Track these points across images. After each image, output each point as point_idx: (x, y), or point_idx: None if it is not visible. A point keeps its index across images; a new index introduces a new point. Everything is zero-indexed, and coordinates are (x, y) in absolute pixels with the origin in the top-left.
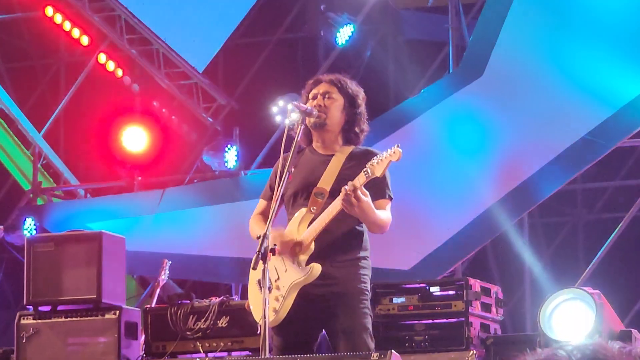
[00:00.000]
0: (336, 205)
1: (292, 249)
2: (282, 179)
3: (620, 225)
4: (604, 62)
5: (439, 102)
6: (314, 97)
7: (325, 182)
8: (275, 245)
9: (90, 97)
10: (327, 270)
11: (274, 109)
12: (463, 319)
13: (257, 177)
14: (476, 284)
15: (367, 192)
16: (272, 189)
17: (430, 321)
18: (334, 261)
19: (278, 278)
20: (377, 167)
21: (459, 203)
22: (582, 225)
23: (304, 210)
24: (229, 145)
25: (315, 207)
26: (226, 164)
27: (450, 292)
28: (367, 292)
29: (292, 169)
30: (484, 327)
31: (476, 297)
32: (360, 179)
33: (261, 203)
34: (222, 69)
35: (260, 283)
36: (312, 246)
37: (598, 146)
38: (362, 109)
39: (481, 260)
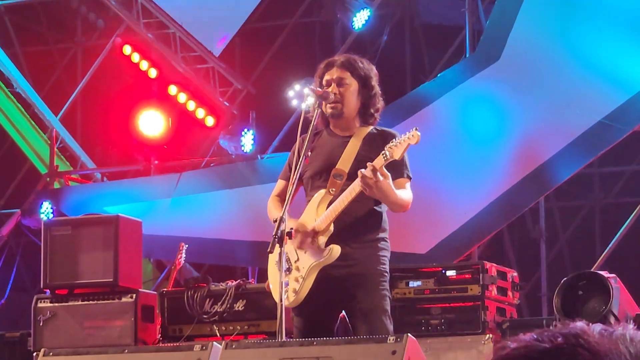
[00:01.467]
0: (355, 187)
1: (310, 239)
2: (299, 162)
3: (637, 209)
4: (620, 46)
5: (456, 87)
6: (328, 84)
7: (344, 163)
8: (292, 228)
9: (107, 81)
10: (347, 251)
11: (291, 93)
12: (479, 302)
13: (273, 161)
14: (492, 268)
15: (388, 174)
16: (291, 169)
17: (447, 305)
18: (354, 242)
19: (298, 259)
20: (395, 150)
21: (475, 187)
22: (598, 210)
23: (322, 191)
24: (245, 130)
25: (334, 189)
26: (243, 148)
27: (467, 276)
28: (386, 274)
29: (309, 153)
30: (500, 311)
31: (492, 281)
32: (379, 162)
33: (279, 184)
34: (238, 53)
35: (280, 267)
36: (332, 227)
37: (615, 130)
38: (377, 88)
39: (497, 245)
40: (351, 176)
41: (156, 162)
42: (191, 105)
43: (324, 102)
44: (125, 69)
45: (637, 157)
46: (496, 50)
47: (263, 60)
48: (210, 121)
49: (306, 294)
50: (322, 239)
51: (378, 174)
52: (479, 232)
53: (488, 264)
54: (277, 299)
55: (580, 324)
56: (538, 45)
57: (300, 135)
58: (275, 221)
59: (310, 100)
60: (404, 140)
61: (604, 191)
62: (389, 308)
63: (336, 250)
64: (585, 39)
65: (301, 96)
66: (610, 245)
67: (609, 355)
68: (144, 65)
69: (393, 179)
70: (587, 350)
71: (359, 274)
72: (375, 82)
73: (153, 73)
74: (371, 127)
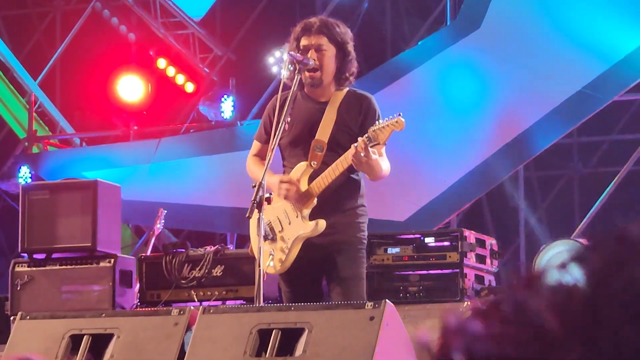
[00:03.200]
0: (343, 162)
1: (300, 198)
2: (278, 128)
3: (616, 179)
4: (601, 16)
5: (436, 55)
6: (306, 50)
7: (323, 134)
8: (270, 194)
9: (87, 46)
10: (330, 222)
11: (271, 60)
12: (457, 270)
13: (253, 127)
14: (471, 236)
15: (375, 150)
16: (266, 132)
17: (425, 272)
18: (335, 211)
19: (282, 229)
20: (380, 134)
21: (455, 155)
22: (577, 179)
23: (304, 164)
24: (225, 96)
25: (315, 162)
26: (222, 114)
27: (445, 243)
28: (365, 240)
29: (289, 119)
30: (479, 279)
31: (471, 248)
32: (362, 145)
33: (255, 144)
34: (219, 20)
35: (266, 234)
36: (315, 201)
37: (594, 100)
38: (352, 52)
39: (476, 213)
40: (331, 146)
41: (135, 127)
42: (171, 71)
43: (303, 74)
44: (104, 34)
45: (616, 127)
46: (477, 19)
47: (243, 27)
48: (190, 87)
49: (291, 262)
50: (306, 211)
51: (369, 150)
52: (458, 200)
53: (467, 232)
54: (265, 268)
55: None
56: (518, 13)
57: (274, 96)
58: (254, 186)
59: (290, 67)
60: (389, 126)
61: (583, 161)
62: (364, 275)
63: (322, 224)
64: (565, 8)
65: (281, 63)
66: (588, 215)
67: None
68: (123, 29)
69: (373, 146)
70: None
71: (340, 241)
72: (351, 46)
73: (132, 38)
74: (346, 90)
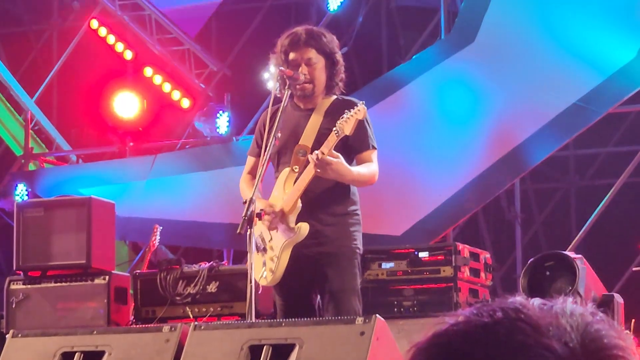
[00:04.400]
0: (309, 171)
1: (279, 219)
2: (269, 142)
3: (612, 191)
4: (595, 29)
5: (431, 68)
6: (295, 64)
7: (307, 139)
8: (261, 209)
9: (83, 64)
10: (318, 229)
11: (266, 75)
12: (452, 284)
13: (248, 143)
14: (465, 250)
15: (338, 154)
16: (258, 146)
17: (419, 286)
18: (324, 217)
19: (271, 239)
20: (345, 125)
21: (451, 169)
22: (574, 192)
23: (287, 170)
24: (220, 111)
25: (297, 166)
26: (218, 130)
27: (439, 258)
28: (358, 250)
29: (279, 134)
30: (473, 293)
31: (465, 262)
32: (331, 140)
33: (249, 160)
34: (214, 35)
35: (257, 246)
36: (299, 204)
37: (589, 112)
38: (340, 60)
39: (473, 227)
40: (314, 151)
41: (131, 144)
42: (167, 87)
43: (294, 88)
44: (100, 51)
45: (612, 139)
46: (471, 32)
47: (239, 43)
48: (185, 103)
49: (283, 272)
50: (292, 217)
51: (327, 157)
52: (454, 214)
53: (460, 245)
54: (256, 276)
55: (519, 298)
56: (513, 27)
57: (265, 110)
58: (245, 202)
59: (279, 80)
60: (352, 116)
61: (579, 173)
62: (359, 288)
63: (304, 228)
64: (560, 21)
65: (277, 78)
66: (585, 227)
67: (550, 329)
68: (120, 47)
69: (358, 153)
70: (527, 324)
71: (331, 252)
72: (339, 54)
73: (128, 55)
74: (334, 97)
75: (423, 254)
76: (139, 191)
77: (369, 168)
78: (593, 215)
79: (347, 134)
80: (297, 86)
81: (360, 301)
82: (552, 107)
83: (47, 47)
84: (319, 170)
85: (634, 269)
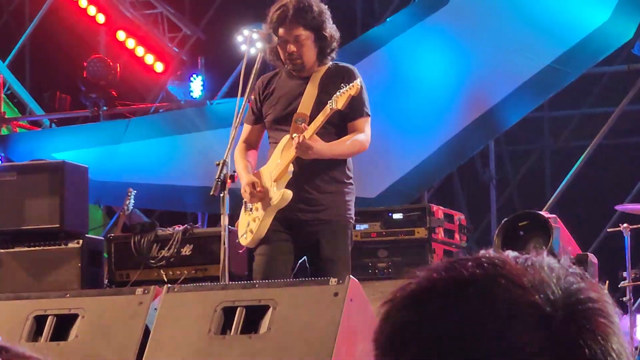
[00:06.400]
0: (292, 153)
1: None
2: (261, 104)
3: (586, 152)
4: None
5: (405, 31)
6: (284, 42)
7: (305, 107)
8: (234, 171)
9: (55, 28)
10: (315, 197)
11: (240, 39)
12: (426, 245)
13: (222, 106)
14: (439, 211)
15: (316, 138)
16: (254, 113)
17: (394, 248)
18: (321, 186)
19: (260, 200)
20: (339, 100)
21: (425, 131)
22: (548, 154)
23: (286, 137)
24: (194, 75)
25: (296, 134)
26: (191, 94)
27: (413, 219)
28: (352, 220)
29: (252, 97)
30: (448, 254)
31: (439, 223)
32: (326, 111)
33: (245, 128)
34: None
35: (246, 205)
36: (290, 170)
37: (564, 74)
38: (329, 30)
39: (448, 188)
40: (313, 118)
41: (105, 108)
42: (140, 51)
43: (285, 59)
44: (73, 15)
45: (586, 100)
46: None
47: (212, 6)
48: (159, 67)
49: (263, 234)
50: (281, 183)
51: (307, 142)
52: (429, 176)
53: (435, 207)
54: (239, 236)
55: (494, 253)
56: None
57: (256, 77)
58: (218, 164)
59: (259, 45)
60: (346, 91)
61: (554, 135)
62: (350, 259)
63: (287, 194)
64: None
65: (250, 41)
66: (559, 188)
67: (531, 284)
68: (92, 10)
69: (351, 120)
70: (507, 279)
71: (325, 220)
72: (327, 26)
73: (101, 18)
74: (329, 64)
75: (397, 215)
76: (113, 155)
77: (358, 138)
78: (568, 177)
79: (340, 108)
80: (289, 61)
81: (349, 271)
82: (526, 68)
83: (19, 11)
84: (301, 154)
85: (609, 229)
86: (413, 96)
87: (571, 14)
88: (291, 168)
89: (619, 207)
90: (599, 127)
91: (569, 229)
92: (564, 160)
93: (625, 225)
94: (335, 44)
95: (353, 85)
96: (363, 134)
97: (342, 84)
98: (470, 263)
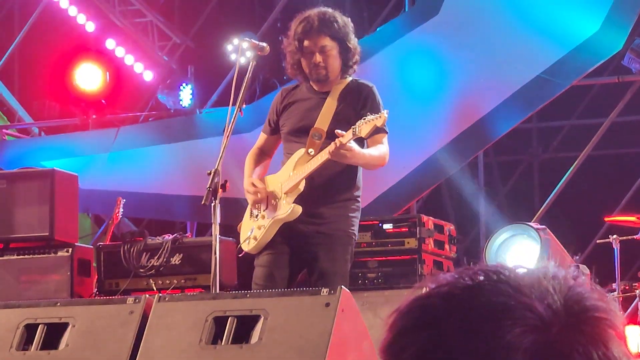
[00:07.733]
0: (323, 155)
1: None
2: (276, 115)
3: (575, 163)
4: (559, 1)
5: (395, 41)
6: (310, 52)
7: (322, 122)
8: (226, 180)
9: (45, 36)
10: (320, 211)
11: (229, 48)
12: (416, 256)
13: (212, 115)
14: (429, 221)
15: (351, 147)
16: (270, 124)
17: (383, 258)
18: (327, 201)
19: (266, 208)
20: (363, 127)
21: (414, 141)
22: (537, 164)
23: (302, 150)
24: (183, 84)
25: (312, 149)
26: (181, 103)
27: (403, 229)
28: (354, 236)
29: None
30: (437, 265)
31: (429, 234)
32: (348, 136)
33: (261, 137)
34: (177, 7)
35: (252, 211)
36: (301, 185)
37: (553, 85)
38: (353, 42)
39: (436, 199)
40: (330, 135)
41: (94, 116)
42: (129, 60)
43: (310, 70)
44: (63, 23)
45: (575, 111)
46: (435, 5)
47: (202, 15)
48: (148, 75)
49: (266, 243)
50: (291, 197)
51: (346, 146)
52: (417, 187)
53: (425, 217)
54: (242, 245)
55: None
56: None
57: (248, 87)
58: (209, 173)
59: (249, 54)
60: (371, 121)
61: (543, 146)
62: (348, 274)
63: (297, 209)
64: None
65: (241, 50)
66: (549, 199)
67: (532, 291)
68: (82, 19)
69: (373, 134)
70: (509, 286)
71: (326, 233)
72: (351, 38)
73: (91, 27)
74: (349, 79)
75: (387, 226)
76: (102, 164)
77: (379, 150)
78: (557, 187)
79: (362, 136)
80: (313, 71)
81: (347, 286)
82: (515, 79)
83: (8, 18)
84: (336, 158)
85: (598, 241)
86: (402, 107)
87: (561, 25)
88: (303, 183)
89: (608, 219)
90: (589, 138)
91: (558, 239)
92: (553, 171)
93: (614, 236)
94: (357, 57)
95: (380, 116)
96: (386, 148)
97: (363, 105)
98: (473, 271)
